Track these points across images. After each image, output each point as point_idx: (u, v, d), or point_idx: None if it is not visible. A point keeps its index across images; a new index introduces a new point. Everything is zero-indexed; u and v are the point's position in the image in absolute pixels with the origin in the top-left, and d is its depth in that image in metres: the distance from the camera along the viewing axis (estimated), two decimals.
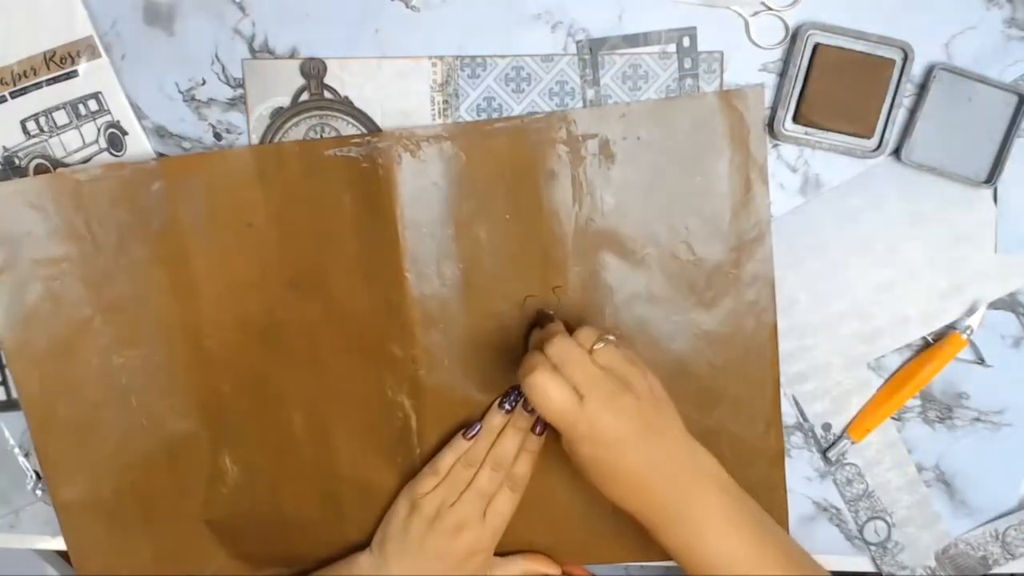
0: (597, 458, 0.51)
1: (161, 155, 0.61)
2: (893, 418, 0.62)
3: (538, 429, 0.59)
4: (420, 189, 0.59)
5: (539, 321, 0.60)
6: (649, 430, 0.51)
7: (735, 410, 0.61)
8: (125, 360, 0.62)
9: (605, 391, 0.50)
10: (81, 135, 0.61)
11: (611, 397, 0.50)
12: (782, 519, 0.62)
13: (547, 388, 0.50)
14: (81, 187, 0.59)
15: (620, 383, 0.51)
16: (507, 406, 0.60)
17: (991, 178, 0.58)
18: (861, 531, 0.64)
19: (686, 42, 0.59)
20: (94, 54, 0.60)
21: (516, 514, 0.62)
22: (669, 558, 0.59)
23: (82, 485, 0.63)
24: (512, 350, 0.61)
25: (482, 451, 0.60)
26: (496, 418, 0.60)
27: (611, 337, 0.54)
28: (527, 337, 0.61)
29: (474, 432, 0.60)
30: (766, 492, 0.62)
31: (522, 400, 0.59)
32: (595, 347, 0.52)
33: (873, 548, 0.64)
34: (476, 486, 0.59)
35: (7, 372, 0.64)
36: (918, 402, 0.62)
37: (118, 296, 0.61)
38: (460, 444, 0.60)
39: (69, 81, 0.60)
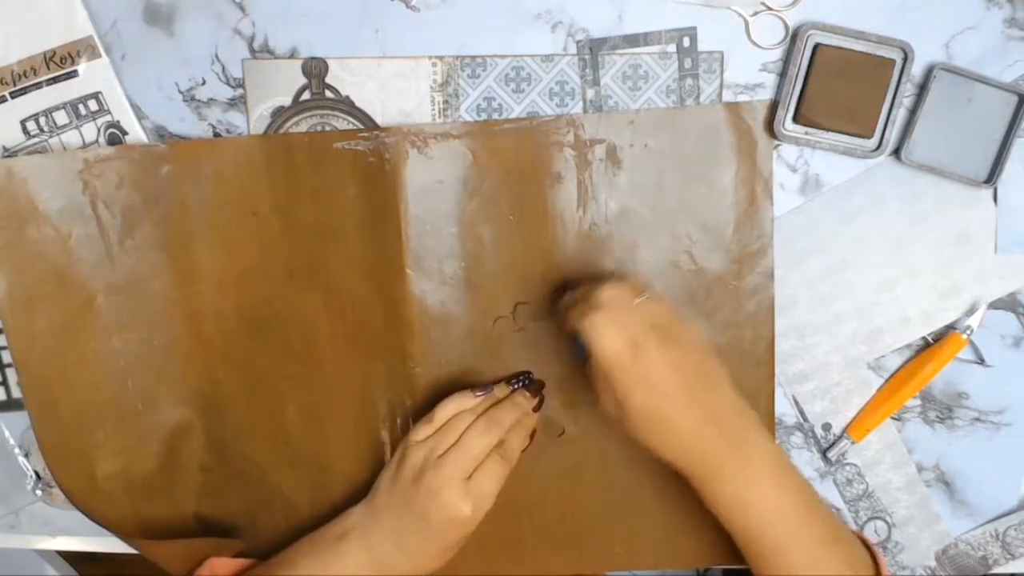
0: (651, 407, 0.50)
1: (171, 137, 0.61)
2: (893, 418, 0.62)
3: (535, 405, 0.58)
4: (425, 186, 0.59)
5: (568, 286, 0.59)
6: (701, 383, 0.51)
7: None
8: (124, 343, 0.62)
9: (658, 340, 0.50)
10: (81, 135, 0.61)
11: (664, 347, 0.50)
12: None
13: (607, 331, 0.50)
14: (90, 167, 0.60)
15: (668, 334, 0.51)
16: (515, 384, 0.59)
17: (991, 178, 0.58)
18: (861, 531, 0.64)
19: (686, 42, 0.59)
20: (94, 54, 0.60)
21: (529, 523, 0.61)
22: (661, 565, 0.59)
23: (76, 467, 0.63)
24: (509, 350, 0.61)
25: (481, 410, 0.58)
26: (501, 390, 0.59)
27: (649, 292, 0.53)
28: (554, 304, 0.59)
29: (482, 393, 0.58)
30: None
31: (527, 384, 0.59)
32: (636, 301, 0.52)
33: None
34: (464, 444, 0.56)
35: (7, 372, 0.64)
36: (918, 402, 0.62)
37: (121, 278, 0.61)
38: (465, 399, 0.58)
39: (69, 81, 0.60)
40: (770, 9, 0.58)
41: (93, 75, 0.60)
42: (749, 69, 0.59)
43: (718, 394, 0.52)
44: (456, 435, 0.57)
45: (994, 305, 0.61)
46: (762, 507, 0.51)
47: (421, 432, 0.58)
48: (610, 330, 0.50)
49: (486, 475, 0.55)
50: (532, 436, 0.59)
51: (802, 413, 0.63)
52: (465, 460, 0.55)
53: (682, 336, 0.52)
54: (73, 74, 0.60)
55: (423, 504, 0.55)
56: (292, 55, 0.60)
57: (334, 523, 0.60)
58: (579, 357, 0.52)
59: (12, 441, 0.65)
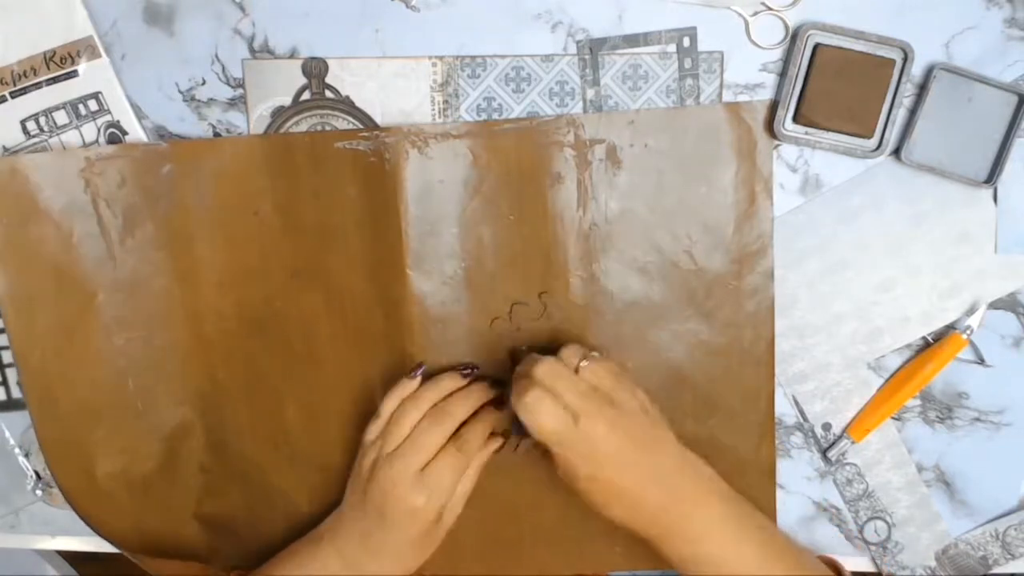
0: (597, 478, 0.51)
1: (171, 137, 0.61)
2: (893, 418, 0.62)
3: (494, 398, 0.58)
4: (426, 186, 0.59)
5: (514, 357, 0.60)
6: (643, 444, 0.52)
7: (729, 421, 0.61)
8: (125, 342, 0.62)
9: (597, 408, 0.51)
10: (81, 135, 0.61)
11: (603, 414, 0.51)
12: None
13: (541, 409, 0.50)
14: (91, 166, 0.60)
15: (609, 400, 0.52)
16: (464, 371, 0.59)
17: (991, 178, 0.58)
18: (861, 531, 0.64)
19: (686, 42, 0.59)
20: (94, 54, 0.60)
21: (528, 523, 0.61)
22: (661, 566, 0.59)
23: (76, 465, 0.63)
24: (509, 351, 0.61)
25: (429, 400, 0.57)
26: (448, 380, 0.58)
27: (595, 354, 0.54)
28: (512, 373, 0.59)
29: (419, 371, 0.58)
30: (755, 504, 0.62)
31: (475, 373, 0.59)
32: (581, 365, 0.52)
33: (873, 548, 0.64)
34: (413, 437, 0.55)
35: (7, 372, 0.64)
36: (918, 402, 0.62)
37: (121, 277, 0.61)
38: (404, 387, 0.58)
39: (69, 81, 0.60)
40: (770, 9, 0.58)
41: (93, 75, 0.60)
42: (749, 69, 0.59)
43: (664, 455, 0.53)
44: (404, 429, 0.56)
45: (994, 305, 0.61)
46: (717, 559, 0.52)
47: (371, 431, 0.58)
48: (544, 405, 0.50)
49: (440, 465, 0.55)
50: (505, 436, 0.59)
51: (802, 413, 0.63)
52: (415, 453, 0.55)
53: (624, 398, 0.52)
54: (73, 74, 0.60)
55: (379, 501, 0.55)
56: (292, 55, 0.60)
57: (316, 527, 0.61)
58: (519, 435, 0.52)
59: (12, 441, 0.65)
